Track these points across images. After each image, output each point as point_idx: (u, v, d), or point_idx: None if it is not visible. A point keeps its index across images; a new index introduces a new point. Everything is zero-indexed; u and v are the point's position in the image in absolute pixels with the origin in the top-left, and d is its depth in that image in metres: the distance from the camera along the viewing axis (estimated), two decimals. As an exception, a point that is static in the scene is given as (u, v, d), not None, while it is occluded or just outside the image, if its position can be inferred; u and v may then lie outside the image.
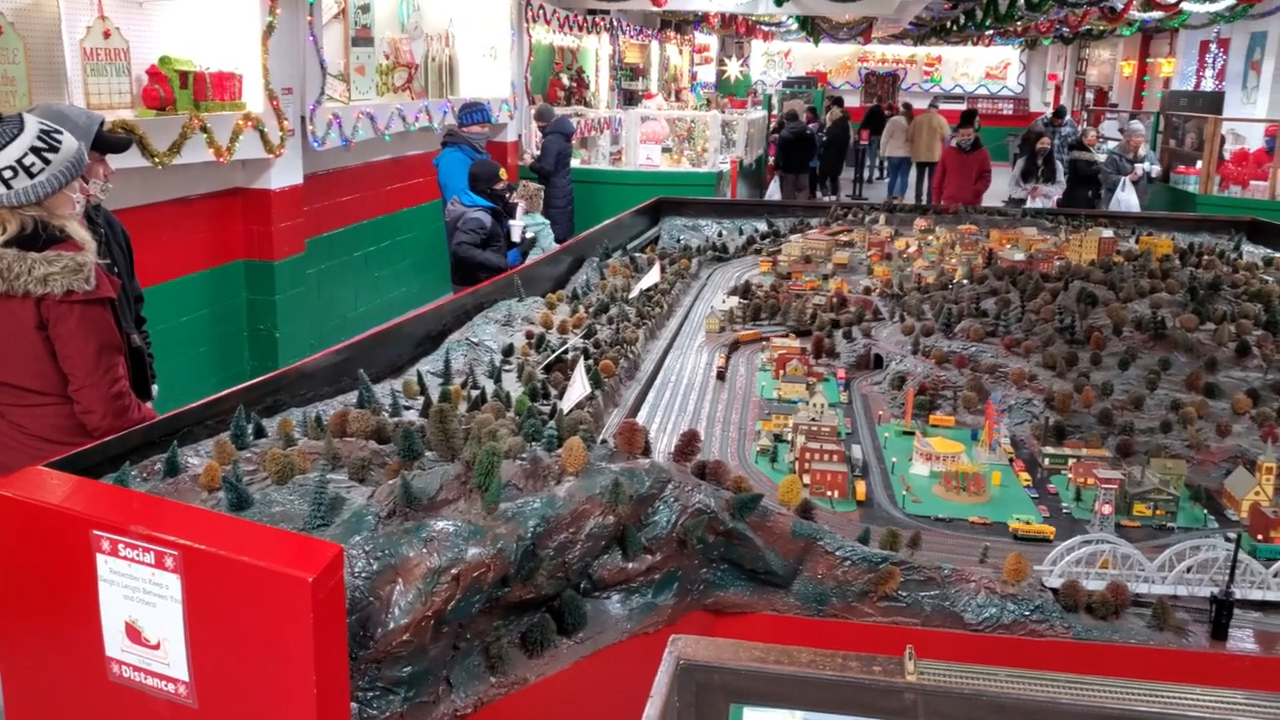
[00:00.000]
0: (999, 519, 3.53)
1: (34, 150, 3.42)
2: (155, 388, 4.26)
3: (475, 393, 3.92)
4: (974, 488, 3.70)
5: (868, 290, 6.56)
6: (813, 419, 4.01)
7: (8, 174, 3.37)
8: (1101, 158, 14.10)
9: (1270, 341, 4.77)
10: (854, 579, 2.95)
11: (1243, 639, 2.91)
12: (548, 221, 8.56)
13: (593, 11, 15.78)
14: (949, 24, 22.86)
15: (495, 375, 4.34)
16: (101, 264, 3.55)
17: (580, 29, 15.41)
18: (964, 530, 3.47)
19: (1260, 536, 3.42)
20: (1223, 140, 14.05)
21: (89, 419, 3.51)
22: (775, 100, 23.28)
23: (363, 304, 9.79)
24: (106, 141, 4.04)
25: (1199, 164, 13.83)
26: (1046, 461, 4.02)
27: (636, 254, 7.47)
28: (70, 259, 3.39)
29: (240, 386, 3.64)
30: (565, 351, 4.67)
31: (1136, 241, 8.04)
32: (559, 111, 13.03)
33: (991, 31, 24.15)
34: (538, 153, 12.45)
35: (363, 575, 2.33)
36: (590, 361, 4.42)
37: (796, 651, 1.81)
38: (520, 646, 2.66)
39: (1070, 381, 4.50)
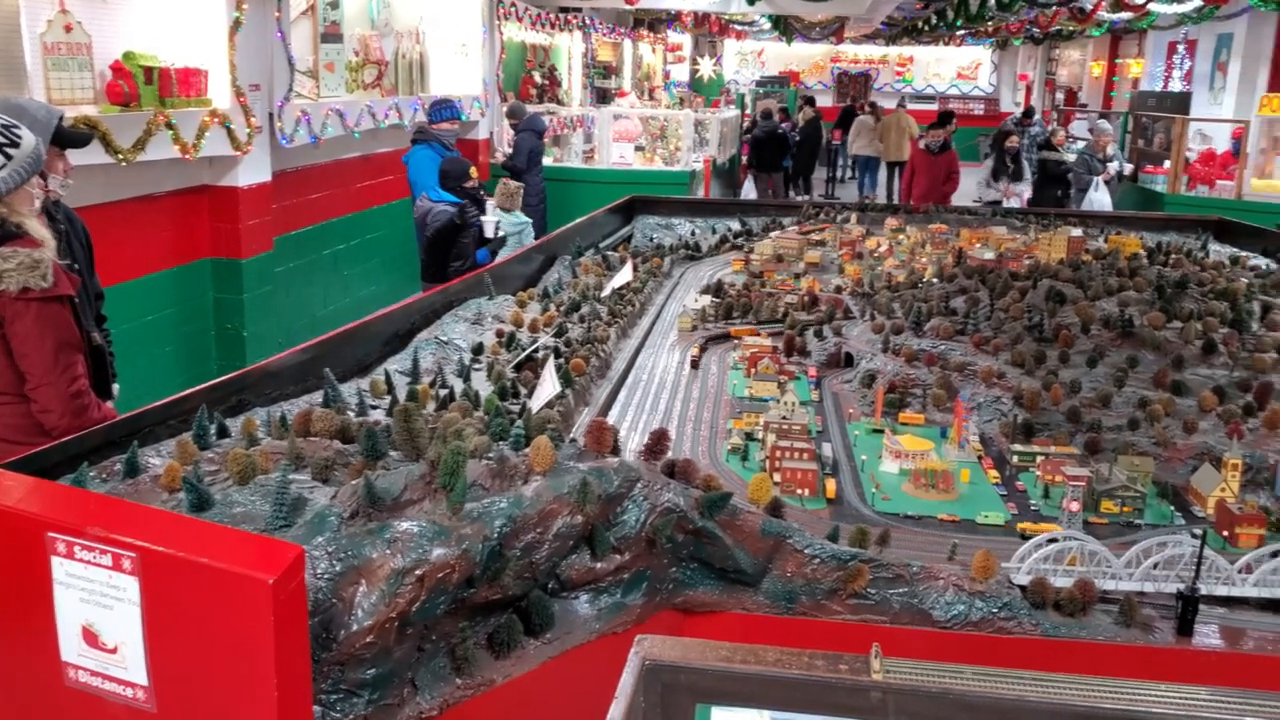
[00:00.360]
0: (967, 516, 3.54)
1: (-8, 145, 3.36)
2: (116, 387, 4.19)
3: (444, 392, 3.89)
4: (943, 485, 3.70)
5: (839, 289, 6.57)
6: (784, 417, 4.00)
7: (-36, 170, 3.31)
8: (1071, 158, 14.19)
9: (1236, 339, 4.80)
10: (823, 577, 2.94)
11: (1208, 635, 2.93)
12: (529, 221, 8.51)
13: (565, 9, 15.73)
14: (920, 24, 22.97)
15: (464, 374, 4.30)
16: (60, 262, 3.49)
17: (552, 26, 15.36)
18: (933, 528, 3.47)
19: (1226, 533, 3.45)
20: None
21: (46, 418, 3.46)
22: (749, 99, 23.30)
23: (332, 302, 9.72)
24: (66, 137, 3.98)
25: (1167, 164, 13.95)
26: (1015, 459, 4.03)
27: (609, 252, 7.45)
28: (26, 255, 3.33)
29: (203, 386, 3.59)
30: (536, 350, 4.64)
31: (1105, 240, 8.09)
32: (531, 109, 12.98)
33: (963, 32, 24.30)
34: (509, 150, 12.40)
35: (325, 577, 2.29)
36: (561, 360, 4.39)
37: (763, 650, 1.79)
38: (487, 648, 2.63)
39: (1039, 379, 4.52)
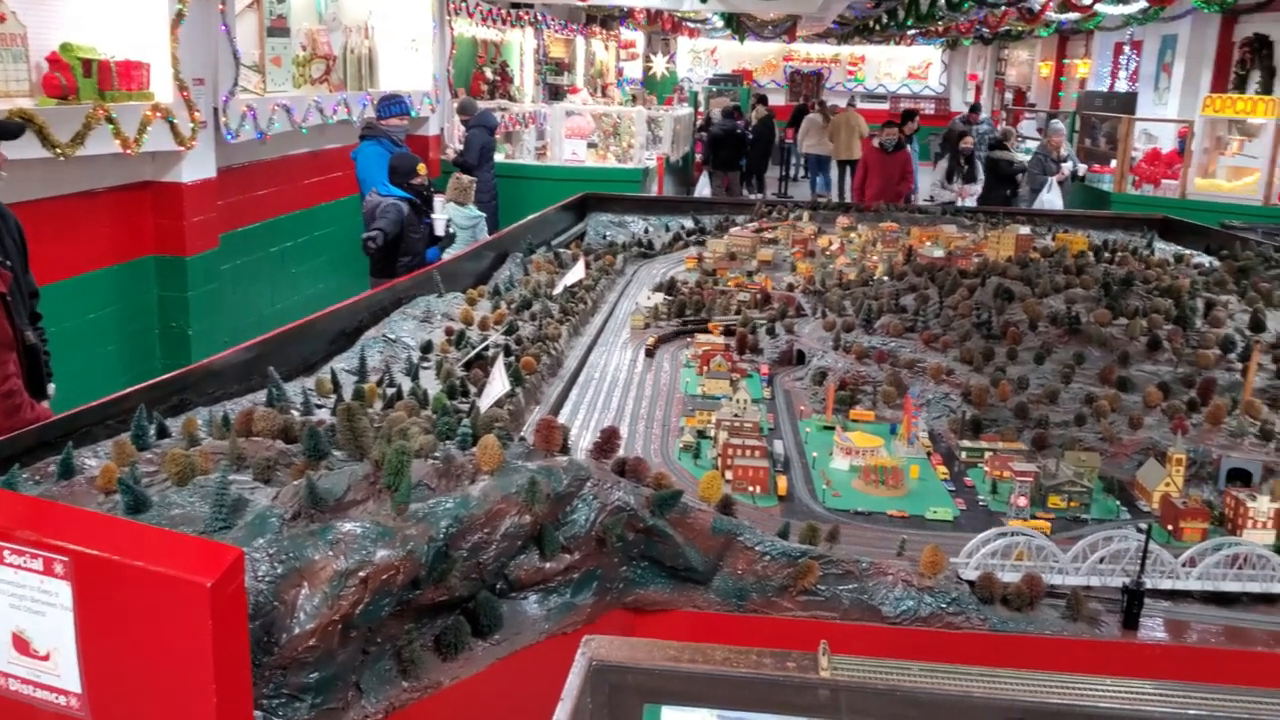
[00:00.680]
0: (917, 512, 3.56)
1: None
2: (52, 386, 4.09)
3: (391, 391, 3.83)
4: (892, 481, 3.71)
5: (791, 287, 6.59)
6: (736, 415, 4.00)
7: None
8: (1024, 158, 14.32)
9: (1180, 336, 4.87)
10: (773, 574, 2.94)
11: (1154, 628, 2.96)
12: (483, 215, 8.44)
13: (516, 5, 15.64)
14: (872, 23, 23.13)
15: (413, 373, 4.25)
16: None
17: (504, 22, 15.26)
18: (882, 524, 3.48)
19: (1170, 527, 3.49)
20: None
21: (-22, 419, 3.36)
22: (702, 97, 23.34)
23: (280, 300, 9.57)
24: (-1, 129, 3.87)
25: (1113, 163, 14.16)
26: (964, 455, 4.06)
27: (561, 250, 7.41)
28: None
29: (143, 385, 3.51)
30: (486, 348, 4.59)
31: (1052, 239, 8.19)
32: (482, 105, 12.89)
33: (913, 31, 24.51)
34: (460, 146, 12.30)
35: (266, 579, 2.24)
36: (511, 358, 4.35)
37: (711, 649, 1.78)
38: (433, 650, 2.59)
39: (987, 376, 4.56)
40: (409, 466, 2.48)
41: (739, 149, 19.00)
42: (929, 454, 4.09)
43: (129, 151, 6.68)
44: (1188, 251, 7.94)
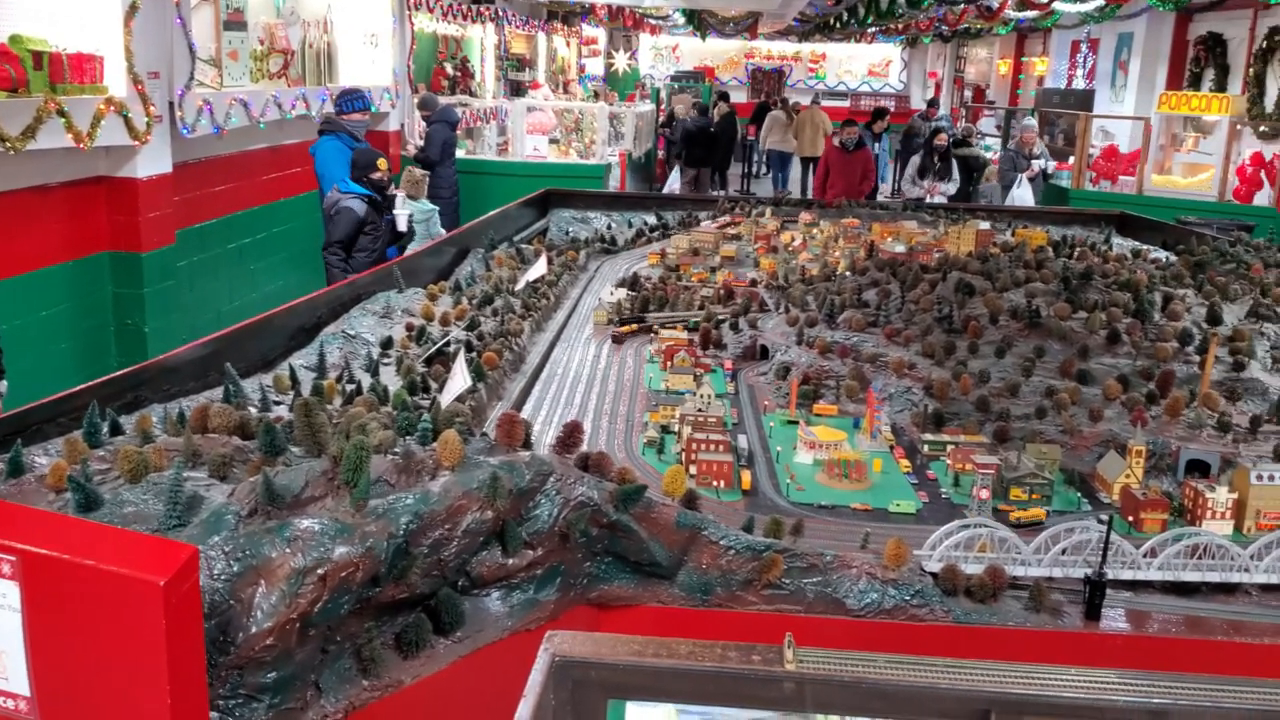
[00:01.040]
0: (880, 505, 3.56)
1: None
2: (4, 384, 4.01)
3: (350, 387, 3.79)
4: (855, 475, 3.72)
5: (754, 282, 6.59)
6: (699, 409, 3.98)
7: None
8: (990, 155, 14.39)
9: (1139, 329, 4.92)
10: (738, 568, 2.93)
11: (1115, 618, 2.98)
12: (436, 208, 8.37)
13: (477, 0, 15.54)
14: (832, 21, 23.21)
15: (373, 369, 4.20)
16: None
17: (465, 18, 15.16)
18: (846, 517, 3.48)
19: (1131, 518, 3.52)
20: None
21: (-75, 418, 3.28)
22: (664, 94, 23.32)
23: (238, 298, 9.44)
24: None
25: (1071, 159, 14.29)
26: (926, 448, 4.07)
27: (523, 245, 7.37)
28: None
29: (96, 381, 3.44)
30: (447, 344, 4.55)
31: (1012, 234, 8.26)
32: (443, 101, 12.79)
33: (874, 29, 24.61)
34: (421, 142, 12.20)
35: (222, 578, 2.20)
36: (473, 354, 4.31)
37: (675, 643, 1.76)
38: (394, 648, 2.56)
39: (949, 369, 4.57)
40: (368, 462, 2.44)
41: (712, 146, 19.04)
42: (892, 447, 4.10)
43: (82, 146, 6.56)
44: (1145, 247, 8.04)
